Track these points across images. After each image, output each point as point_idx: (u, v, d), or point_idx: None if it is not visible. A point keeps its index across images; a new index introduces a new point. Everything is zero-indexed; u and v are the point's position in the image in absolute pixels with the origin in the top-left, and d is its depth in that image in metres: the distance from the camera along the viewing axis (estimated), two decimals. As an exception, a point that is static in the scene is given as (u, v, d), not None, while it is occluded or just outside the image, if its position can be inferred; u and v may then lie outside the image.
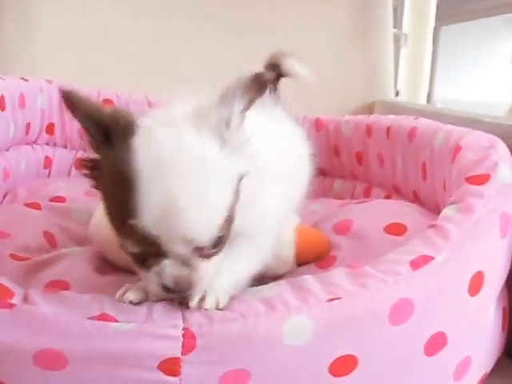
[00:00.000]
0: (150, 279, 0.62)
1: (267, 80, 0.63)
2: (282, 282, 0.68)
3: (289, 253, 0.91)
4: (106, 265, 0.91)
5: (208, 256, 0.63)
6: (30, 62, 1.58)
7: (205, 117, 0.62)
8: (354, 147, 1.39)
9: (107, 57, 1.63)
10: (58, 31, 1.63)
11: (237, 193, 0.63)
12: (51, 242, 0.98)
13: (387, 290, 0.65)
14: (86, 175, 0.64)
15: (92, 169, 0.63)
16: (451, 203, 0.75)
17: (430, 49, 2.67)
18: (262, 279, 0.84)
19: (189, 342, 0.59)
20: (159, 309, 0.62)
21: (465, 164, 0.81)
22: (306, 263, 0.93)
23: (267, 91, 0.64)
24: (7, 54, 1.59)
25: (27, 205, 1.06)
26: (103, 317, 0.59)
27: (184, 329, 0.59)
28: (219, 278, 0.67)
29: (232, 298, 0.65)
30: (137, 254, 0.62)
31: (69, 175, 1.45)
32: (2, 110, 1.19)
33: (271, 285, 0.68)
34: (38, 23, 1.60)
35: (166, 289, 0.62)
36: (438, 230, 0.71)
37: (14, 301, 0.60)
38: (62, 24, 1.64)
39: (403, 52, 2.57)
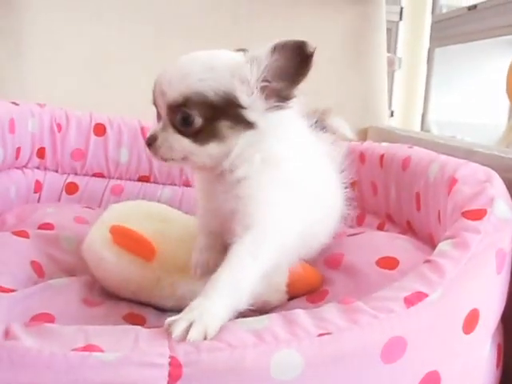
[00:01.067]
0: None
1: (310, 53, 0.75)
2: (272, 315, 0.67)
3: (281, 280, 0.90)
4: (93, 296, 0.90)
5: (197, 137, 0.76)
6: (20, 86, 1.57)
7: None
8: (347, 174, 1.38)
9: (99, 81, 1.62)
10: (50, 55, 1.62)
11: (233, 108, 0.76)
12: (38, 271, 0.96)
13: (379, 326, 0.63)
14: None
15: None
16: (447, 238, 0.74)
17: (424, 70, 2.68)
18: (251, 310, 0.82)
19: (175, 370, 0.57)
20: (145, 337, 0.61)
21: (461, 198, 0.80)
22: (298, 296, 0.91)
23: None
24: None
25: (14, 233, 1.04)
26: (88, 347, 0.57)
27: (171, 357, 0.58)
28: (213, 294, 0.68)
29: (220, 328, 0.63)
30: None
31: (59, 200, 1.43)
32: (-8, 135, 1.18)
33: (261, 317, 0.67)
34: (28, 47, 1.59)
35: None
36: (433, 265, 0.70)
37: (-6, 337, 0.58)
38: (53, 48, 1.63)
39: (398, 74, 2.58)
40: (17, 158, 1.32)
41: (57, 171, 1.45)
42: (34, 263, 0.97)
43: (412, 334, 0.64)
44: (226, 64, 0.77)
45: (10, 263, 0.93)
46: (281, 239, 0.78)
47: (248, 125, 0.77)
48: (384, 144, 1.27)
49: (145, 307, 0.89)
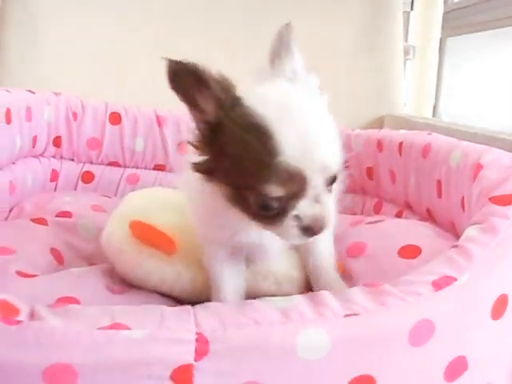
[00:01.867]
0: (290, 225, 0.66)
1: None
2: (298, 296, 0.66)
3: (300, 275, 0.89)
4: (116, 283, 0.89)
5: (330, 192, 0.68)
6: (36, 75, 1.58)
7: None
8: (364, 162, 1.37)
9: (114, 69, 1.63)
10: (65, 44, 1.63)
11: None
12: (58, 258, 0.96)
13: (408, 309, 0.63)
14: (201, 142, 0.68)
15: (213, 132, 0.67)
16: (474, 223, 0.73)
17: (435, 61, 2.66)
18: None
19: (202, 346, 0.57)
20: (171, 314, 0.61)
21: (487, 183, 0.79)
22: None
23: None
24: (14, 67, 1.59)
25: (33, 220, 1.04)
26: (114, 326, 0.57)
27: (197, 333, 0.58)
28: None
29: (247, 305, 0.63)
30: (270, 207, 0.66)
31: (75, 189, 1.43)
32: (8, 123, 1.18)
33: (288, 297, 0.66)
34: (44, 36, 1.60)
35: (305, 230, 0.66)
36: (461, 250, 0.69)
37: (20, 317, 0.57)
38: (68, 37, 1.65)
39: (409, 64, 2.56)
40: (33, 146, 1.32)
41: (73, 160, 1.45)
42: (53, 250, 0.97)
43: (440, 318, 0.63)
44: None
45: (30, 249, 0.94)
46: None
47: None
48: (402, 131, 1.26)
49: (166, 298, 0.89)
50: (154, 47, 1.65)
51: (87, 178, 1.45)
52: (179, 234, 0.88)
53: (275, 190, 0.64)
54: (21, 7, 1.59)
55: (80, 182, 1.44)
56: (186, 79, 0.65)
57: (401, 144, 1.18)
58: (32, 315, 0.58)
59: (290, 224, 0.66)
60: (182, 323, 0.59)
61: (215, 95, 0.66)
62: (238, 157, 0.65)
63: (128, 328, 0.57)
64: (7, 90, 1.24)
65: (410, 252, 0.88)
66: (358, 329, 0.61)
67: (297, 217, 0.66)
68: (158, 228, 0.88)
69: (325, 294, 0.65)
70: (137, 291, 0.89)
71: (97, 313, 0.60)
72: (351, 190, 1.45)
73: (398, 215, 1.25)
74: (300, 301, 0.64)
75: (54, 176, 1.40)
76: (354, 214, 1.41)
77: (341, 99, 1.68)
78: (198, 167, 0.69)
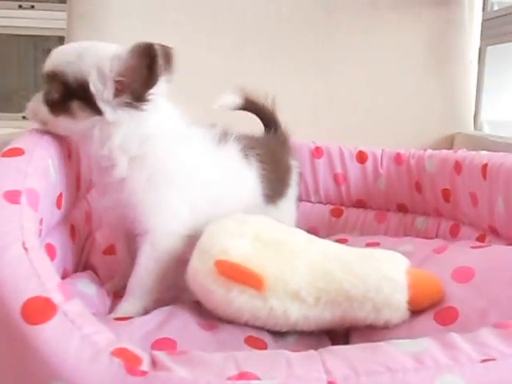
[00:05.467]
0: None
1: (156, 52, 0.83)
2: (426, 338, 0.62)
3: (401, 297, 0.85)
4: (207, 319, 0.86)
5: (52, 108, 0.90)
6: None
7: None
8: (438, 184, 1.32)
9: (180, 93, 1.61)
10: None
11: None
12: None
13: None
14: None
15: None
16: None
17: (475, 70, 2.61)
18: (372, 328, 0.80)
19: None
20: (298, 361, 0.57)
21: None
22: (420, 310, 0.86)
23: None
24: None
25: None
26: (243, 375, 0.54)
27: (329, 382, 0.54)
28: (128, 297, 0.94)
29: (375, 349, 0.60)
30: None
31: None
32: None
33: (417, 340, 0.62)
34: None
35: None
36: None
37: (143, 367, 0.54)
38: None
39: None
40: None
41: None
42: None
43: None
44: (92, 55, 0.88)
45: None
46: (177, 231, 0.95)
47: (97, 111, 0.88)
48: (483, 152, 1.21)
49: (261, 330, 0.86)
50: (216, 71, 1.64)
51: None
52: (269, 264, 0.85)
53: None
54: (87, 32, 1.59)
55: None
56: None
57: (485, 166, 1.14)
58: (154, 364, 0.56)
59: None
60: (312, 371, 0.55)
61: None
62: None
63: (257, 378, 0.54)
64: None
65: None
66: (496, 375, 0.56)
67: None
68: (244, 263, 0.85)
69: (454, 336, 0.61)
70: (231, 326, 0.85)
71: (220, 361, 0.57)
72: (423, 212, 1.41)
73: (480, 239, 1.20)
74: (430, 344, 0.60)
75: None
76: (428, 237, 1.36)
77: (408, 117, 1.66)
78: None
